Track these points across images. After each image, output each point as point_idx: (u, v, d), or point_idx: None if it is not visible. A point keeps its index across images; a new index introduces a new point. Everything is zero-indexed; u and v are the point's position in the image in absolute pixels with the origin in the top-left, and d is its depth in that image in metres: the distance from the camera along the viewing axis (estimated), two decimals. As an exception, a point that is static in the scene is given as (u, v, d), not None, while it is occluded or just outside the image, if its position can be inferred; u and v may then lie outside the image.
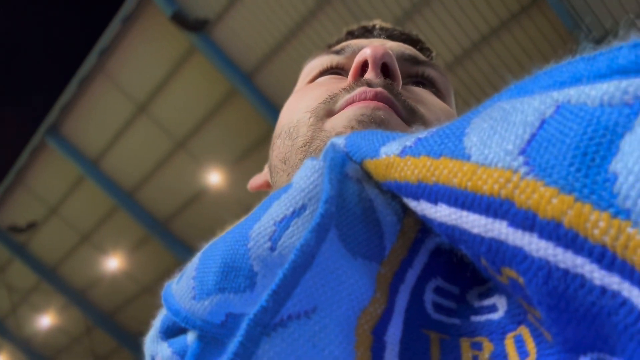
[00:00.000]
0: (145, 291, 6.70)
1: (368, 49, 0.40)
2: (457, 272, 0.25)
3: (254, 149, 5.24)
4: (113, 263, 6.51)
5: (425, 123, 0.39)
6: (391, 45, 0.47)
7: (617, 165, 0.15)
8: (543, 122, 0.18)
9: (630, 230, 0.14)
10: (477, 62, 4.29)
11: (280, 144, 0.42)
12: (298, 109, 0.42)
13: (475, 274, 0.25)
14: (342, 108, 0.39)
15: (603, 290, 0.15)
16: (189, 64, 4.98)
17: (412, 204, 0.22)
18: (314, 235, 0.21)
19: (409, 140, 0.23)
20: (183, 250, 6.04)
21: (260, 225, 0.24)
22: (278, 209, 0.25)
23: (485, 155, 0.18)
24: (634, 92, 0.16)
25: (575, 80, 0.18)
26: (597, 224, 0.15)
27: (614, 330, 0.16)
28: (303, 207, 0.24)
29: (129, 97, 5.30)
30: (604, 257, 0.15)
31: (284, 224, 0.24)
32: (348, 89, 0.39)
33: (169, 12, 4.52)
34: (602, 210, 0.15)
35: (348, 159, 0.26)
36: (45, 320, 7.22)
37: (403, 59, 0.45)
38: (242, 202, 5.53)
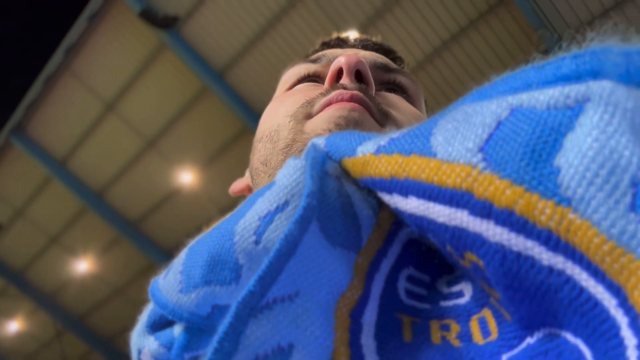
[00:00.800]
0: (116, 293, 6.58)
1: (343, 57, 0.43)
2: (428, 262, 0.28)
3: (226, 148, 5.20)
4: (83, 265, 6.37)
5: (397, 125, 0.42)
6: (364, 54, 0.49)
7: (560, 160, 0.18)
8: (499, 123, 0.20)
9: (571, 215, 0.17)
10: (446, 61, 4.37)
11: (262, 148, 0.45)
12: (278, 114, 0.45)
13: (444, 264, 0.27)
14: (320, 110, 0.41)
15: (550, 269, 0.18)
16: (159, 61, 4.91)
17: (385, 197, 0.24)
18: (298, 226, 0.23)
19: (383, 140, 0.25)
20: (155, 251, 5.96)
21: (245, 220, 0.26)
22: (262, 205, 0.26)
23: (449, 152, 0.21)
24: (574, 96, 0.19)
25: (527, 86, 0.21)
26: (543, 211, 0.17)
27: (561, 305, 0.18)
28: (286, 203, 0.26)
29: (97, 95, 5.19)
30: (550, 240, 0.17)
31: (268, 219, 0.25)
32: (325, 93, 0.42)
33: (137, 9, 4.44)
34: (548, 199, 0.17)
35: (328, 158, 0.28)
36: (13, 326, 7.01)
37: (376, 66, 0.48)
38: (216, 201, 5.48)
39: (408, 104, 0.47)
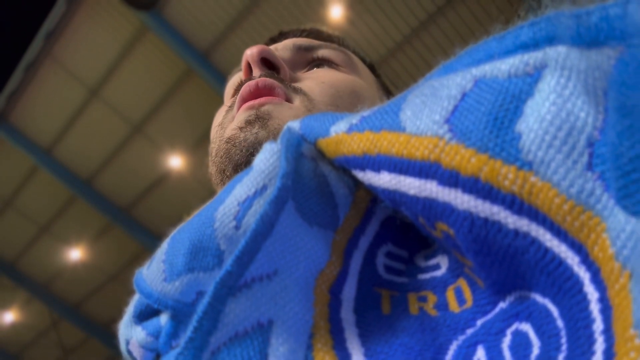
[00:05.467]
0: (110, 280, 6.59)
1: (247, 50, 0.45)
2: (406, 238, 0.28)
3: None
4: (75, 253, 6.35)
5: (308, 97, 0.43)
6: (285, 42, 0.51)
7: (521, 125, 0.18)
8: (464, 94, 0.20)
9: (533, 179, 0.17)
10: (432, 34, 4.35)
11: (209, 162, 0.47)
12: (214, 127, 0.47)
13: (421, 239, 0.28)
14: (237, 111, 0.43)
15: (516, 232, 0.18)
16: (142, 44, 4.82)
17: (359, 174, 0.25)
18: (273, 207, 0.23)
19: (355, 118, 0.25)
20: (147, 236, 5.95)
21: (225, 206, 0.26)
22: (241, 190, 0.27)
23: (417, 126, 0.21)
24: (533, 63, 0.19)
25: (489, 57, 0.21)
26: (506, 176, 0.18)
27: (528, 267, 0.19)
28: (264, 187, 0.26)
29: (80, 81, 5.10)
30: (514, 204, 0.18)
31: (246, 204, 0.26)
32: (238, 90, 0.44)
33: (117, -9, 4.34)
34: (510, 164, 0.18)
35: (303, 140, 0.28)
36: (8, 317, 7.02)
37: (297, 49, 0.50)
38: (206, 184, 5.46)
39: (332, 72, 0.48)
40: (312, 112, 0.41)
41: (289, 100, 0.42)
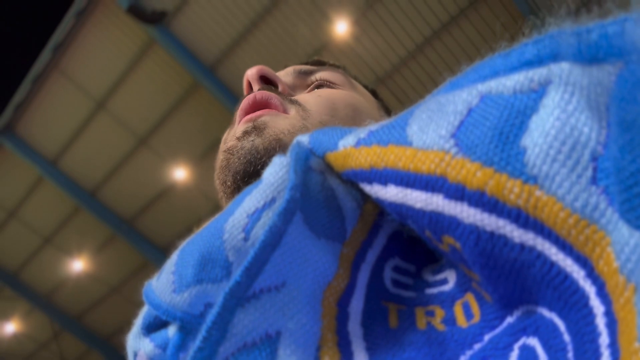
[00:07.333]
0: (113, 292, 6.58)
1: (248, 70, 0.49)
2: (413, 252, 0.28)
3: (219, 143, 5.16)
4: (78, 265, 6.34)
5: (303, 108, 0.46)
6: (287, 69, 0.55)
7: (526, 140, 0.18)
8: (470, 110, 0.21)
9: (538, 192, 0.17)
10: (437, 50, 4.38)
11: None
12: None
13: (429, 254, 0.28)
14: (237, 124, 0.46)
15: (522, 246, 0.18)
16: (149, 57, 4.87)
17: (366, 188, 0.25)
18: (281, 218, 0.23)
19: (362, 132, 0.26)
20: (150, 248, 5.94)
21: (234, 218, 0.27)
22: (250, 202, 0.27)
23: (424, 140, 0.21)
24: (537, 80, 0.19)
25: (495, 74, 0.21)
26: (512, 190, 0.18)
27: (534, 281, 0.19)
28: (273, 200, 0.26)
29: (87, 93, 5.15)
30: (520, 218, 0.18)
31: (255, 216, 0.26)
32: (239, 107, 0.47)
33: (125, 5, 4.40)
34: (516, 178, 0.18)
35: (311, 154, 0.28)
36: (10, 327, 6.99)
37: (298, 73, 0.54)
38: (210, 197, 5.47)
39: (330, 89, 0.52)
40: (307, 122, 0.44)
41: (285, 111, 0.45)
